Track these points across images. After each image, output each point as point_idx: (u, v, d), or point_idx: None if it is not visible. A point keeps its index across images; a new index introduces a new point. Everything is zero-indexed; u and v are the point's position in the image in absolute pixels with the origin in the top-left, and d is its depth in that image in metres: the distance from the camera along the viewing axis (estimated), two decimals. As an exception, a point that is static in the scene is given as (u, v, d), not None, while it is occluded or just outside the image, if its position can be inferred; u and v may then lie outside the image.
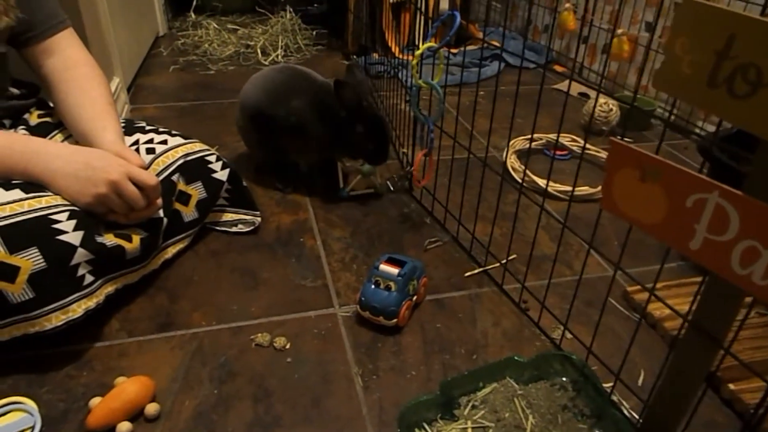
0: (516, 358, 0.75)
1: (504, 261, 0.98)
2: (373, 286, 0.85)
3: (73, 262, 0.74)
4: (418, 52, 0.95)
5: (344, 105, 1.07)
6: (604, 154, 1.39)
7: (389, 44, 2.03)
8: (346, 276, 0.97)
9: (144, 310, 0.88)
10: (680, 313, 0.63)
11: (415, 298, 0.88)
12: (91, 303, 0.77)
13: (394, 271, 0.85)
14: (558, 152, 1.44)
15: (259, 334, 0.83)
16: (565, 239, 1.06)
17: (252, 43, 2.16)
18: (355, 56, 2.07)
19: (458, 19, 0.92)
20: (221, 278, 0.95)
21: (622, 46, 1.68)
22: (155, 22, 2.26)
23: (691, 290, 0.93)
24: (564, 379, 0.75)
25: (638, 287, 0.94)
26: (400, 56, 1.95)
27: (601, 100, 1.55)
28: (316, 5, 2.59)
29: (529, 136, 1.45)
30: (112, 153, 0.83)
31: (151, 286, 0.92)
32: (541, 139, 1.46)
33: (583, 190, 1.24)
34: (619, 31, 1.76)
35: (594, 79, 1.96)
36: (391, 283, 0.84)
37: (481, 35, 2.26)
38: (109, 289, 0.82)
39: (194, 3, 2.43)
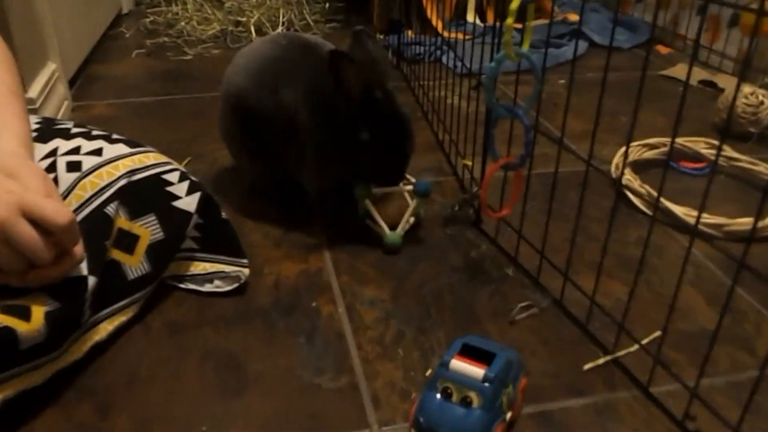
0: None
1: (647, 341, 0.74)
2: (439, 396, 0.61)
3: None
4: (513, 5, 0.73)
5: (344, 93, 0.86)
6: (763, 167, 1.14)
7: (430, 18, 1.83)
8: (388, 368, 0.73)
9: (53, 433, 0.64)
10: None
11: (509, 414, 0.63)
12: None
13: (476, 372, 0.60)
14: (690, 165, 1.20)
15: (244, 483, 0.59)
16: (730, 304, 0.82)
17: (243, 19, 2.00)
18: (383, 34, 1.88)
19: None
20: (185, 373, 0.72)
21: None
22: (117, -3, 2.10)
23: None
24: None
25: None
26: (445, 34, 1.75)
27: (746, 89, 1.31)
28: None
29: (645, 142, 1.22)
30: (2, 171, 0.61)
31: (69, 389, 0.69)
32: (660, 145, 1.22)
33: (740, 222, 0.99)
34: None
35: (718, 62, 1.72)
36: (472, 394, 0.59)
37: (549, 5, 2.05)
38: (-10, 401, 0.59)
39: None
